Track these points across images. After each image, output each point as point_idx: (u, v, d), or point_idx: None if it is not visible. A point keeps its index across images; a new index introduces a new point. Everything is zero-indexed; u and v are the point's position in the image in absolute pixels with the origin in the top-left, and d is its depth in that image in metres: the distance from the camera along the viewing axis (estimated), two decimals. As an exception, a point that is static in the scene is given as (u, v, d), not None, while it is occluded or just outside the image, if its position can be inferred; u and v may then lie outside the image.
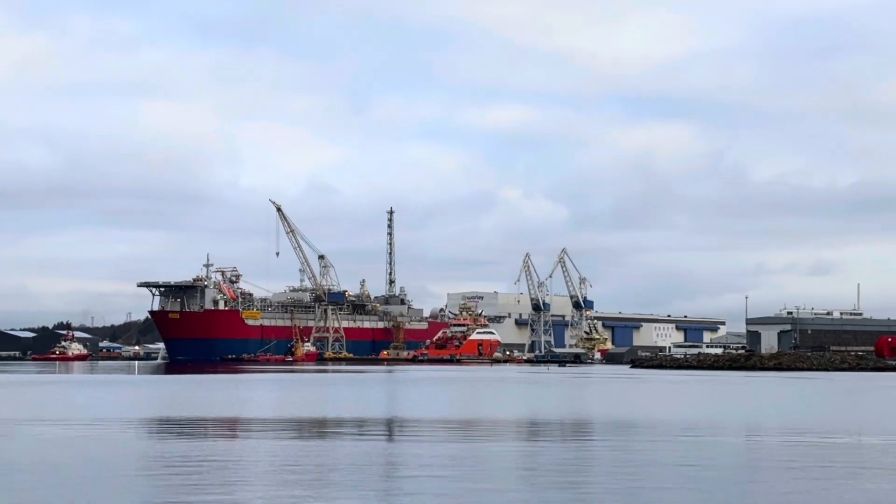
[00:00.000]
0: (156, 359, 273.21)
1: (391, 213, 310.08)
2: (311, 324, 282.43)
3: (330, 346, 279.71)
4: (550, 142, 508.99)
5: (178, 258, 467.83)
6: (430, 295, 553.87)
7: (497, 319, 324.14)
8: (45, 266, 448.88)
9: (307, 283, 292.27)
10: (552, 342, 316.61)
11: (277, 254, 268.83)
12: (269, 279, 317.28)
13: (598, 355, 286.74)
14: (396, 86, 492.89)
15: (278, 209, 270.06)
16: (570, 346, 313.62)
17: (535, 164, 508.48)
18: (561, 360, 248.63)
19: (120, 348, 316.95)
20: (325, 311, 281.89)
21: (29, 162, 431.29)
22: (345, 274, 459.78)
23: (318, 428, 46.47)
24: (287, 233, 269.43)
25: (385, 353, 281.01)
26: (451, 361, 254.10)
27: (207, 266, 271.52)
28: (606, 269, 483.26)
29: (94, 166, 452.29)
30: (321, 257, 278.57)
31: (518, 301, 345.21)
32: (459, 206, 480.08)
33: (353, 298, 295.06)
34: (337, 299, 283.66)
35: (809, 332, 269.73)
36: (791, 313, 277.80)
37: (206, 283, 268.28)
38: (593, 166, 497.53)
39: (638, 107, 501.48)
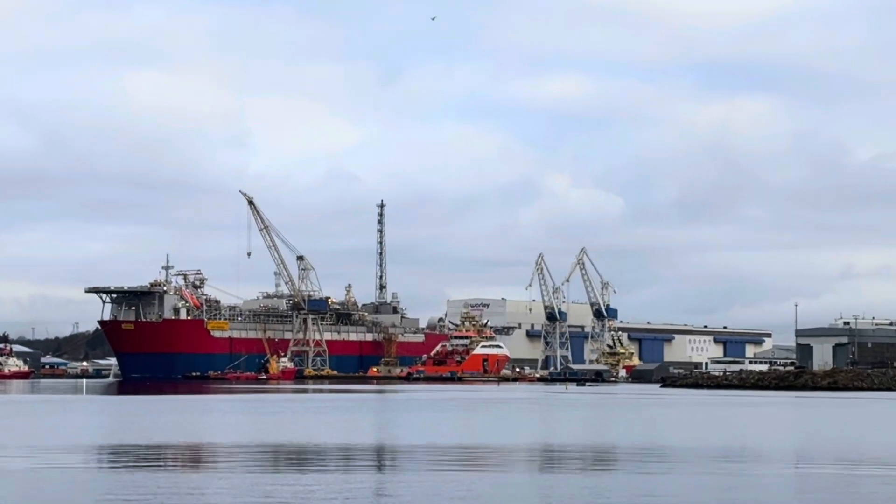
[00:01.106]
0: (107, 376, 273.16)
1: (382, 206, 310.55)
2: (287, 336, 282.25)
3: (310, 361, 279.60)
4: (609, 119, 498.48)
5: (154, 259, 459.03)
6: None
7: (505, 330, 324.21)
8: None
9: (284, 289, 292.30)
10: (569, 357, 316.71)
11: (249, 254, 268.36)
12: (240, 283, 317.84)
13: (623, 372, 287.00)
14: (434, 52, 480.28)
15: (250, 202, 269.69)
16: (591, 361, 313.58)
17: (588, 145, 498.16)
18: (580, 379, 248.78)
19: (65, 364, 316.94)
20: (305, 320, 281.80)
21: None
22: (356, 277, 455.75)
23: (294, 458, 46.55)
24: (260, 230, 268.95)
25: (375, 369, 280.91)
26: (451, 380, 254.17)
27: (167, 268, 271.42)
28: (659, 271, 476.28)
29: (69, 148, 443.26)
30: (300, 258, 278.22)
31: (530, 309, 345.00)
32: (496, 197, 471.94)
33: (338, 306, 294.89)
34: (318, 307, 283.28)
35: (869, 345, 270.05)
36: (848, 323, 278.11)
37: (165, 288, 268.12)
38: (657, 148, 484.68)
39: (717, 77, 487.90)
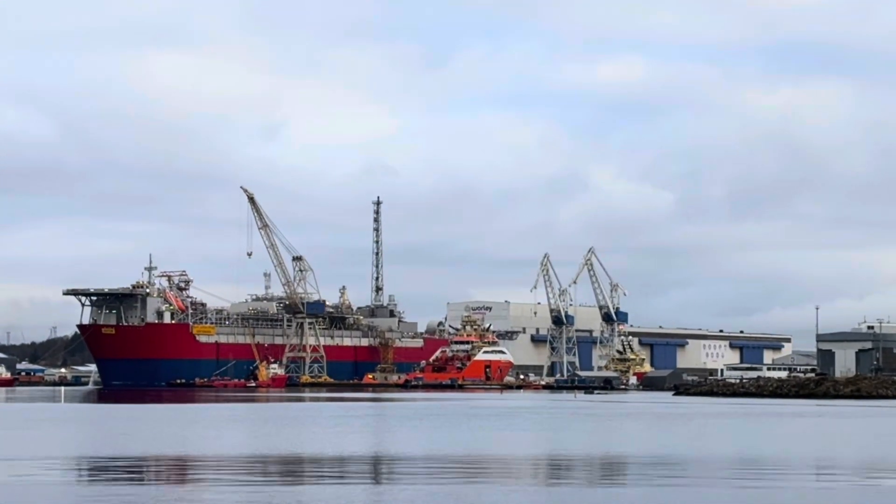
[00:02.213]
0: (86, 384, 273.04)
1: (378, 203, 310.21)
2: (277, 340, 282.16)
3: (307, 368, 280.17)
4: (664, 106, 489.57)
5: (161, 259, 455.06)
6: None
7: (509, 335, 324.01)
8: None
9: (273, 291, 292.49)
10: (577, 363, 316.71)
11: (250, 254, 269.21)
12: (241, 285, 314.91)
13: (633, 380, 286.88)
14: (484, 32, 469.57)
15: (250, 199, 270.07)
16: (599, 368, 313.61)
17: (638, 135, 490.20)
18: (588, 386, 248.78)
19: (42, 371, 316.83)
20: (302, 324, 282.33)
21: (10, 130, 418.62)
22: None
23: (288, 469, 46.61)
24: (260, 228, 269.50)
25: (370, 376, 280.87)
26: (451, 387, 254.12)
27: (150, 270, 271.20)
28: (700, 271, 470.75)
29: (84, 137, 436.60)
30: (297, 259, 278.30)
31: (535, 312, 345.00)
32: (536, 192, 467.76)
33: (332, 309, 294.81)
34: (316, 310, 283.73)
35: (895, 350, 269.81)
36: (872, 328, 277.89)
37: (148, 290, 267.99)
38: (713, 138, 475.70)
39: (788, 59, 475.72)
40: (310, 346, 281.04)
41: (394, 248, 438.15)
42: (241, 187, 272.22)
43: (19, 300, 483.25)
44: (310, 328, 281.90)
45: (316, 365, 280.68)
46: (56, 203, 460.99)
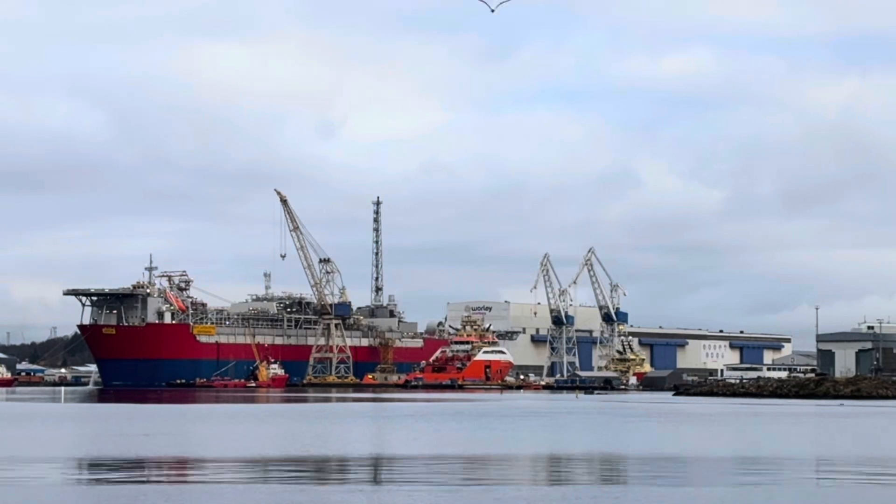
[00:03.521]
0: (86, 384, 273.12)
1: (378, 203, 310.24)
2: (277, 340, 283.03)
3: (333, 368, 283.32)
4: (722, 100, 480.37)
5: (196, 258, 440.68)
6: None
7: (509, 335, 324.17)
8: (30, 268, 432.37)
9: (273, 291, 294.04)
10: (577, 363, 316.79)
11: (283, 256, 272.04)
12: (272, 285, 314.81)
13: (633, 380, 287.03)
14: (548, 24, 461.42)
15: (283, 201, 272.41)
16: (599, 368, 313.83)
17: (692, 130, 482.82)
18: (588, 386, 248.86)
19: (42, 371, 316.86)
20: (329, 326, 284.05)
21: (61, 127, 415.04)
22: (430, 274, 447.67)
23: (294, 469, 46.65)
24: (291, 230, 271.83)
25: (370, 376, 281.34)
26: (451, 387, 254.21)
27: (150, 269, 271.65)
28: (735, 270, 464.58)
29: (132, 132, 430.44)
30: (324, 261, 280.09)
31: (535, 312, 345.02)
32: (582, 189, 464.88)
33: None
34: (343, 312, 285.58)
35: (895, 351, 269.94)
36: (871, 328, 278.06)
37: (148, 290, 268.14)
38: (769, 133, 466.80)
39: (857, 51, 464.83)
40: (336, 346, 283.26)
41: (438, 245, 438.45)
42: (275, 190, 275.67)
43: (48, 300, 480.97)
44: (336, 329, 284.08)
45: (342, 365, 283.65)
46: (102, 200, 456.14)
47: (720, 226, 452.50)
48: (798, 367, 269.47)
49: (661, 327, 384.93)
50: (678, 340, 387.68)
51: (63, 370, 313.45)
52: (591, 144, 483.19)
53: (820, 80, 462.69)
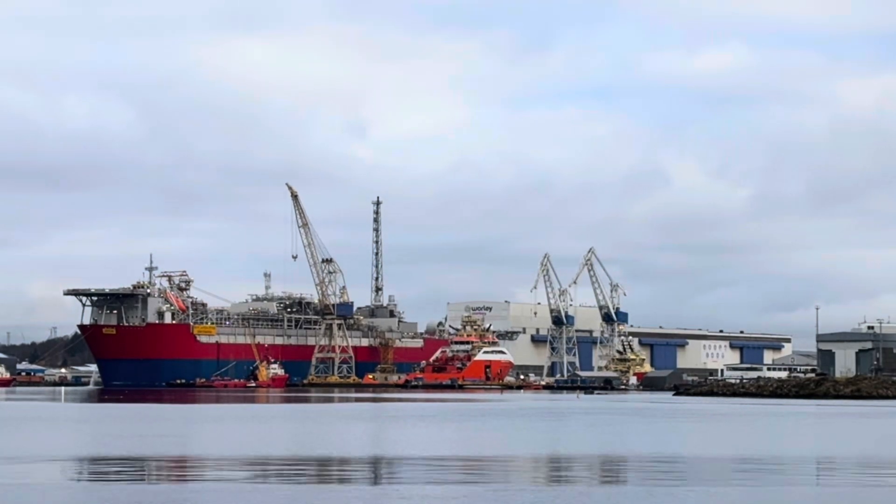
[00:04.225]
0: (87, 384, 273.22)
1: (377, 203, 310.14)
2: (277, 340, 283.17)
3: (336, 368, 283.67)
4: (755, 97, 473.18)
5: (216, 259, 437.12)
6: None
7: (509, 335, 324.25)
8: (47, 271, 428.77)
9: (273, 291, 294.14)
10: (577, 363, 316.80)
11: (295, 257, 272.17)
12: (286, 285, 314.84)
13: (633, 380, 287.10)
14: (585, 19, 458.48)
15: (294, 196, 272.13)
16: (599, 368, 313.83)
17: (721, 128, 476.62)
18: (588, 386, 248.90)
19: (42, 371, 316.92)
20: (331, 326, 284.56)
21: (87, 125, 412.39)
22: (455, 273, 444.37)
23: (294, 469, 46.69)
24: (300, 227, 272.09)
25: (370, 376, 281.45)
26: (451, 387, 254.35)
27: (150, 269, 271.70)
28: (753, 269, 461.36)
29: (162, 130, 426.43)
30: (327, 261, 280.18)
31: (535, 312, 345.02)
32: (607, 187, 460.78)
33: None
34: (345, 312, 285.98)
35: (895, 351, 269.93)
36: (872, 328, 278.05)
37: (148, 290, 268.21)
38: (799, 130, 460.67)
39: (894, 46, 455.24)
40: (339, 346, 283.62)
41: (459, 245, 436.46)
42: (287, 184, 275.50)
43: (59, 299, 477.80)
44: (339, 329, 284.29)
45: (345, 366, 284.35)
46: (127, 199, 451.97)
47: (743, 225, 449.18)
48: (798, 367, 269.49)
49: (661, 327, 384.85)
50: (678, 340, 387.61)
51: (63, 370, 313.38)
52: (619, 142, 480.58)
53: (854, 77, 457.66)
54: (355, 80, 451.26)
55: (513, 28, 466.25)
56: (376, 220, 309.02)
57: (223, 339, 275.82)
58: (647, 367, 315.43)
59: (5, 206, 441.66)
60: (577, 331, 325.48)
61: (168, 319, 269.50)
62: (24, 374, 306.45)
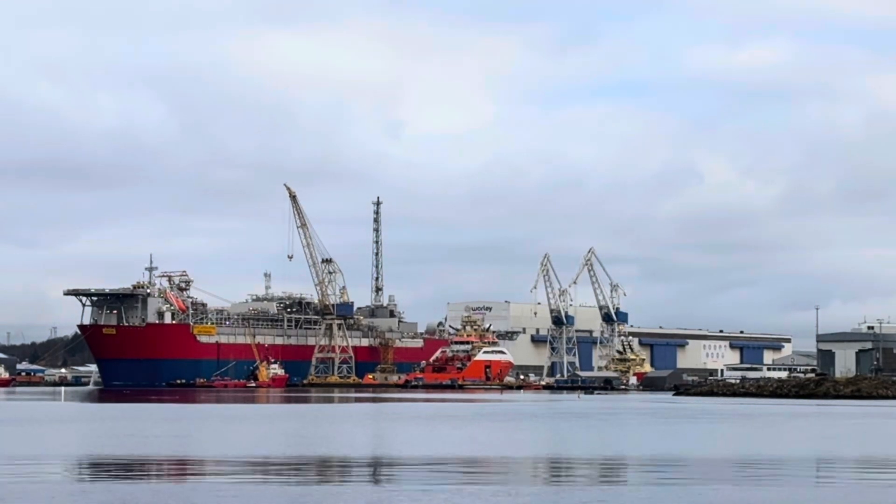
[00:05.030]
0: (87, 384, 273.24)
1: (378, 203, 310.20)
2: (277, 340, 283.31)
3: (336, 368, 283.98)
4: (792, 94, 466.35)
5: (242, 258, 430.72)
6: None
7: (509, 336, 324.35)
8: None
9: (273, 291, 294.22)
10: (577, 364, 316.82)
11: (290, 257, 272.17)
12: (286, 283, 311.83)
13: (633, 380, 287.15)
14: (628, 14, 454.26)
15: (293, 197, 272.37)
16: (599, 368, 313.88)
17: (759, 123, 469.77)
18: (588, 386, 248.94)
19: (42, 371, 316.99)
20: (331, 326, 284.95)
21: (119, 123, 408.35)
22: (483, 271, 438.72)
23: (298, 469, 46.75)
24: (298, 227, 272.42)
25: (370, 376, 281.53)
26: (451, 388, 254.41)
27: (150, 269, 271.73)
28: (772, 269, 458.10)
29: (192, 126, 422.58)
30: (326, 261, 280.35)
31: (535, 313, 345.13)
32: (638, 185, 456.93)
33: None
34: (345, 312, 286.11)
35: (895, 351, 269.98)
36: (872, 328, 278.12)
37: (148, 290, 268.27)
38: (837, 126, 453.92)
39: None
40: (339, 347, 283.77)
41: (487, 244, 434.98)
42: (285, 184, 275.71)
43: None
44: (339, 329, 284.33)
45: (345, 366, 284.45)
46: (158, 196, 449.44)
47: (770, 223, 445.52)
48: (798, 367, 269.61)
49: (661, 327, 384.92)
50: (678, 340, 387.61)
51: (63, 370, 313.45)
52: (651, 139, 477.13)
53: (894, 72, 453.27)
54: (391, 76, 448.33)
55: (552, 22, 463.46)
56: (376, 220, 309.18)
57: (223, 340, 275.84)
58: (647, 368, 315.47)
59: (39, 204, 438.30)
60: (577, 331, 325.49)
61: (168, 319, 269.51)
62: (24, 374, 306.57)
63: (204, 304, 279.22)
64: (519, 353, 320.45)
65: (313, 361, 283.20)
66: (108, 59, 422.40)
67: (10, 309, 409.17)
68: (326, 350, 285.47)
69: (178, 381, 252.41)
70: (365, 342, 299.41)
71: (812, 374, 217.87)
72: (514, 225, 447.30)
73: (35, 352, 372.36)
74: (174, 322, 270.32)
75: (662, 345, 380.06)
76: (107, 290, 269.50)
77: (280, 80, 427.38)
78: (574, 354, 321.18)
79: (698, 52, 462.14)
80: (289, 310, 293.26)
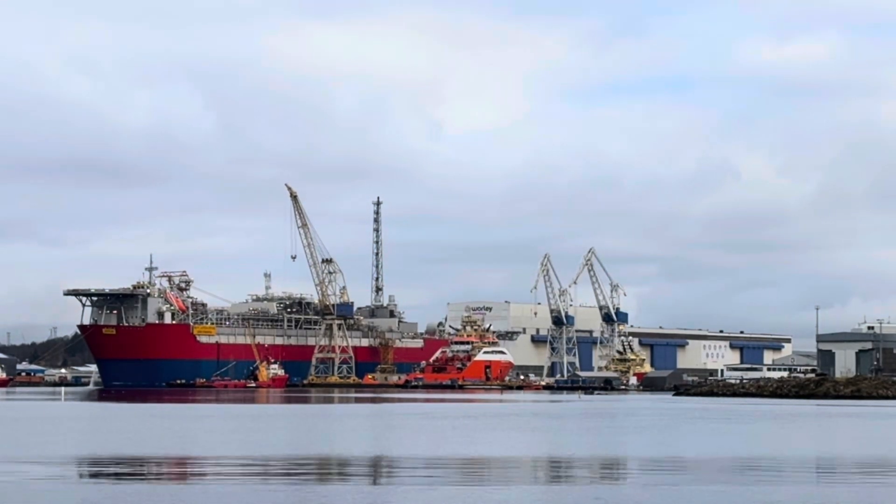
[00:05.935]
0: (86, 384, 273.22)
1: (378, 203, 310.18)
2: (277, 340, 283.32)
3: (336, 368, 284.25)
4: (842, 87, 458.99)
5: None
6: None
7: (509, 336, 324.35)
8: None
9: (273, 291, 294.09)
10: (577, 364, 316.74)
11: (294, 257, 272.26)
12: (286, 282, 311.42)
13: (633, 380, 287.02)
14: (673, 7, 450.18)
15: (293, 197, 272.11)
16: (599, 368, 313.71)
17: (797, 119, 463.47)
18: (588, 387, 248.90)
19: (42, 371, 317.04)
20: (331, 326, 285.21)
21: (155, 120, 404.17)
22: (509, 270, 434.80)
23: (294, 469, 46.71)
24: (299, 227, 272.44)
25: (370, 377, 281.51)
26: (451, 388, 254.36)
27: (150, 270, 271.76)
28: (797, 269, 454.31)
29: (221, 120, 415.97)
30: (327, 261, 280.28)
31: (535, 313, 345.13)
32: (673, 182, 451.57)
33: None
34: (345, 312, 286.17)
35: (895, 351, 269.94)
36: (872, 328, 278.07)
37: (148, 290, 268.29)
38: (876, 123, 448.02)
39: None
40: (339, 347, 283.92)
41: (528, 240, 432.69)
42: (286, 184, 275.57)
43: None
44: (339, 329, 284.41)
45: (345, 366, 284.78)
46: (191, 195, 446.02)
47: (801, 222, 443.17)
48: (798, 368, 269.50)
49: (661, 327, 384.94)
50: (678, 341, 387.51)
51: (63, 370, 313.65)
52: (690, 136, 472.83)
53: None
54: (431, 72, 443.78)
55: (599, 16, 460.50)
56: (376, 220, 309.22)
57: (223, 340, 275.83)
58: (647, 368, 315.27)
59: (68, 201, 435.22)
60: (577, 331, 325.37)
61: (168, 319, 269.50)
62: (24, 374, 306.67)
63: (204, 305, 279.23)
64: (519, 353, 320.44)
65: (313, 362, 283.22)
66: (144, 55, 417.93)
67: (25, 308, 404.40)
68: (326, 350, 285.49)
69: (178, 382, 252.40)
70: (365, 342, 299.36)
71: (812, 375, 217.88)
72: (544, 223, 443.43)
73: (35, 352, 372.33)
74: (174, 322, 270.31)
75: (662, 345, 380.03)
76: (107, 291, 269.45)
77: (318, 75, 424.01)
78: (574, 355, 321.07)
79: (745, 45, 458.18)
80: (289, 310, 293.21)
